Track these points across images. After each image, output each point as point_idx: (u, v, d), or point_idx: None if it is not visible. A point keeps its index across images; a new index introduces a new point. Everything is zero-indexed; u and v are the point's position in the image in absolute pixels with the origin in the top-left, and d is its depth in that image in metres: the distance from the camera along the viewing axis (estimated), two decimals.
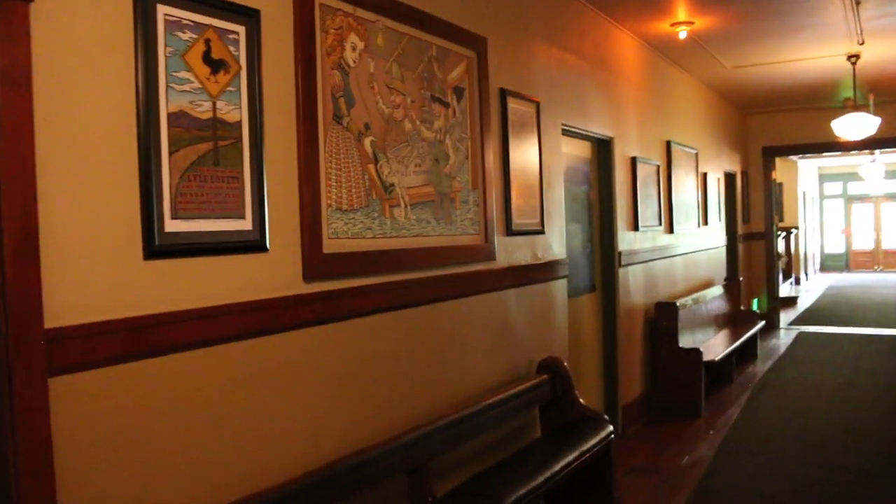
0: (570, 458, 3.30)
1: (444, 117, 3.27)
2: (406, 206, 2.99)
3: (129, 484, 1.89)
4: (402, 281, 2.95)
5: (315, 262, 2.50)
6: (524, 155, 3.98)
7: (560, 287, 4.40)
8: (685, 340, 6.01)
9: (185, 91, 2.08)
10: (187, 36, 2.10)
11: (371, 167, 2.80)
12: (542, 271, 4.15)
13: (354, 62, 2.73)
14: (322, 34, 2.57)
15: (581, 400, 3.84)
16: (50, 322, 1.73)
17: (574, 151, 4.92)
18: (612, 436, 3.69)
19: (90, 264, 1.84)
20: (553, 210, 4.33)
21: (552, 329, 4.26)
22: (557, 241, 4.38)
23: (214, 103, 2.17)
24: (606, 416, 3.82)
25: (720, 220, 8.45)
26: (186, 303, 2.06)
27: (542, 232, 4.16)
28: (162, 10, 2.02)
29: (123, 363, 1.89)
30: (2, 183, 1.65)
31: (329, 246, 2.57)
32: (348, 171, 2.68)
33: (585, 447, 3.43)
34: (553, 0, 4.46)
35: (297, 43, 2.46)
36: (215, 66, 2.18)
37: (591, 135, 5.02)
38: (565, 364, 3.87)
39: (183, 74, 2.08)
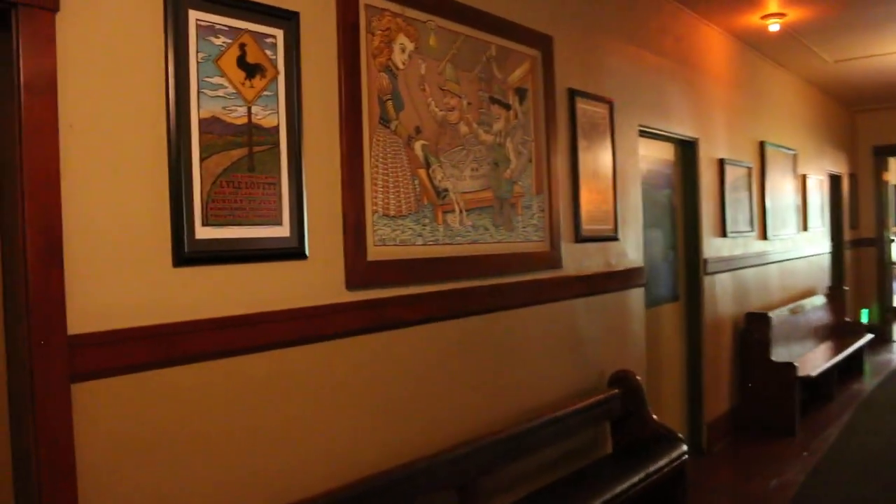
0: (635, 479, 3.10)
1: (504, 119, 3.14)
2: (461, 211, 2.88)
3: (152, 493, 1.86)
4: (456, 290, 2.84)
5: (359, 269, 2.43)
6: (595, 158, 3.80)
7: (636, 296, 4.17)
8: (779, 353, 5.61)
9: (217, 97, 2.05)
10: (221, 41, 2.07)
11: (422, 172, 2.71)
12: (616, 280, 3.95)
13: (404, 64, 2.65)
14: (368, 35, 2.50)
15: (654, 416, 3.61)
16: (74, 328, 1.73)
17: (654, 154, 4.67)
18: (686, 456, 3.45)
19: (117, 271, 1.83)
20: (628, 215, 4.12)
21: (626, 340, 4.04)
22: (633, 248, 4.16)
23: (249, 108, 2.13)
24: (681, 435, 3.57)
25: (823, 225, 7.88)
26: (218, 311, 2.02)
27: (615, 238, 3.95)
28: (194, 15, 2.00)
29: (149, 370, 1.87)
30: (25, 190, 1.66)
31: (374, 253, 2.49)
32: (396, 176, 2.59)
33: (654, 468, 3.22)
34: None
35: (341, 45, 2.40)
36: (251, 70, 2.14)
37: (673, 136, 4.76)
38: (637, 378, 3.65)
39: (216, 80, 2.05)
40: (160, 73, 1.93)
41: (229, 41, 2.09)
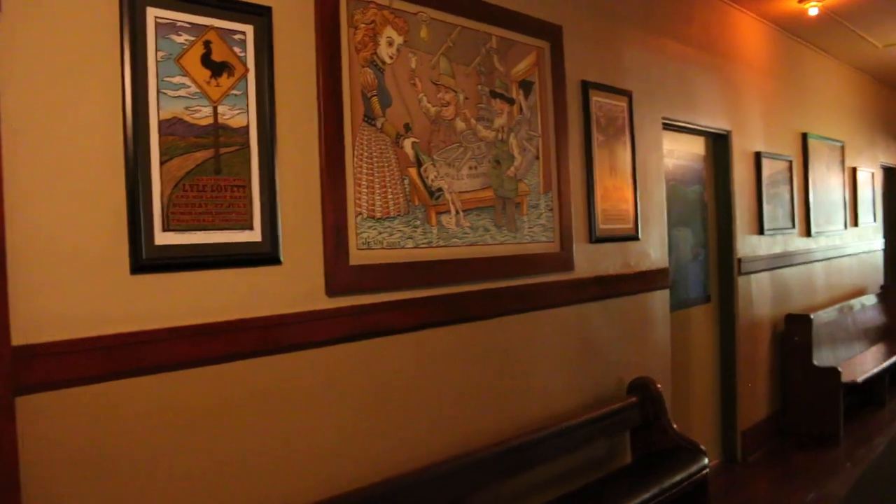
0: (651, 493, 2.91)
1: (507, 114, 2.99)
2: (458, 212, 2.74)
3: None
4: (452, 294, 2.71)
5: (340, 274, 2.32)
6: (612, 153, 3.61)
7: (659, 298, 3.96)
8: (823, 357, 5.30)
9: (179, 97, 1.96)
10: (183, 39, 1.98)
11: (413, 171, 2.58)
12: (636, 281, 3.75)
13: (391, 58, 2.52)
14: (350, 30, 2.39)
15: (674, 426, 3.42)
16: (18, 339, 1.66)
17: (682, 148, 4.44)
18: (707, 470, 3.24)
19: (69, 280, 1.75)
20: (651, 213, 3.91)
21: (648, 345, 3.84)
22: (656, 248, 3.95)
23: (215, 108, 2.04)
24: (704, 447, 3.36)
25: (875, 220, 7.46)
26: (179, 320, 1.94)
27: (635, 238, 3.75)
28: (153, 13, 1.91)
29: (102, 382, 1.79)
30: None
31: (358, 257, 2.38)
32: (383, 176, 2.48)
33: (671, 482, 3.03)
34: None
35: (319, 41, 2.29)
36: (217, 68, 2.05)
37: (703, 129, 4.52)
38: (658, 385, 3.46)
39: (177, 79, 1.96)
40: (116, 73, 1.85)
41: (192, 38, 2.00)
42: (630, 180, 3.73)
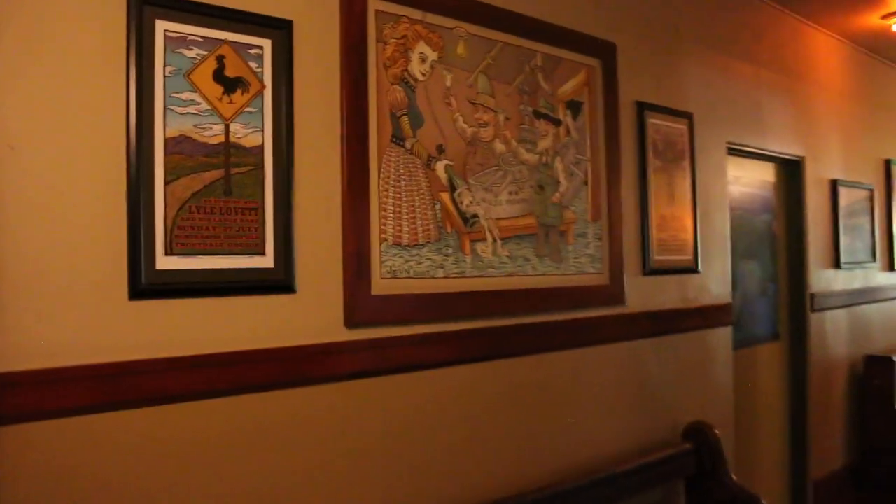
0: None
1: (552, 136, 2.80)
2: (495, 240, 2.56)
3: None
4: (486, 328, 2.51)
5: (361, 305, 2.16)
6: (670, 179, 3.36)
7: (721, 336, 3.66)
8: None
9: (188, 113, 1.85)
10: (194, 53, 1.87)
11: (445, 196, 2.41)
12: (694, 317, 3.47)
13: (424, 75, 2.37)
14: (379, 45, 2.25)
15: (733, 476, 3.11)
16: (2, 366, 1.56)
17: (749, 174, 4.14)
18: None
19: (62, 305, 1.65)
20: (713, 244, 3.63)
21: (707, 386, 3.54)
22: (719, 281, 3.66)
23: (227, 126, 1.92)
24: (765, 500, 3.04)
25: None
26: (181, 349, 1.81)
27: (694, 270, 3.48)
28: (162, 25, 1.81)
29: (94, 413, 1.67)
30: None
31: (382, 287, 2.22)
32: (412, 200, 2.31)
33: None
34: None
35: (344, 56, 2.16)
36: (230, 84, 1.94)
37: (773, 154, 4.21)
38: (715, 431, 3.17)
39: (186, 95, 1.86)
40: (120, 88, 1.75)
41: (205, 53, 1.89)
42: (690, 208, 3.47)
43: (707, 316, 3.55)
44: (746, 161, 4.06)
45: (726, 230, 3.75)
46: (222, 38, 1.93)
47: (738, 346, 3.83)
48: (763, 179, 4.31)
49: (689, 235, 3.47)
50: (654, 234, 3.26)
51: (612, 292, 3.01)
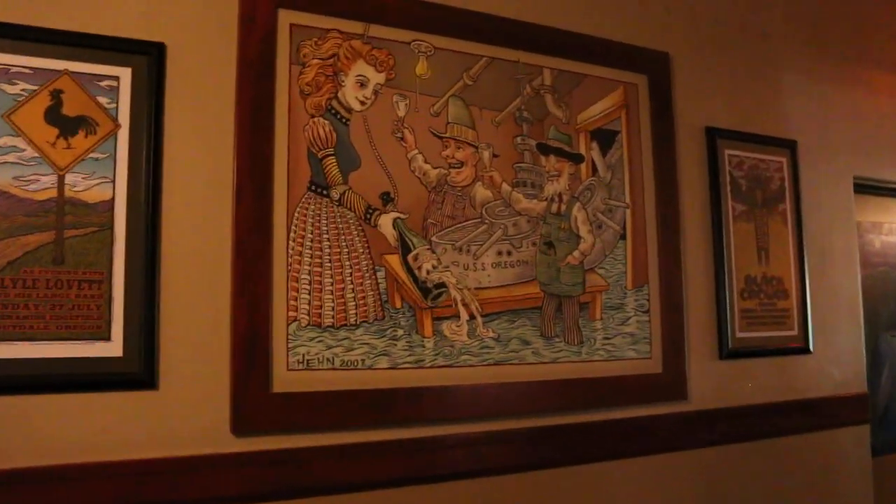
0: None
1: (567, 177, 2.15)
2: (473, 317, 1.94)
3: None
4: (460, 436, 1.89)
5: (255, 405, 1.65)
6: (761, 227, 2.55)
7: (850, 437, 2.71)
8: None
9: (6, 163, 1.47)
10: (19, 88, 1.50)
11: (393, 259, 1.85)
12: (804, 413, 2.59)
13: (364, 103, 1.85)
14: (294, 68, 1.77)
15: None
16: None
17: (892, 218, 3.16)
18: None
19: None
20: (834, 313, 2.73)
21: None
22: (844, 363, 2.73)
23: (62, 177, 1.52)
24: None
25: None
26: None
27: (803, 350, 2.60)
28: None
29: None
30: None
31: (288, 381, 1.69)
32: (339, 266, 1.78)
33: None
34: None
35: (239, 83, 1.69)
36: (69, 125, 1.54)
37: None
38: None
39: (4, 141, 1.47)
40: None
41: (34, 87, 1.51)
42: (794, 266, 2.62)
43: (825, 411, 2.64)
44: (890, 201, 3.09)
45: (856, 293, 2.81)
46: (61, 68, 1.54)
47: (879, 450, 2.84)
48: None
49: (793, 302, 2.60)
50: (737, 302, 2.46)
51: (668, 383, 2.26)
